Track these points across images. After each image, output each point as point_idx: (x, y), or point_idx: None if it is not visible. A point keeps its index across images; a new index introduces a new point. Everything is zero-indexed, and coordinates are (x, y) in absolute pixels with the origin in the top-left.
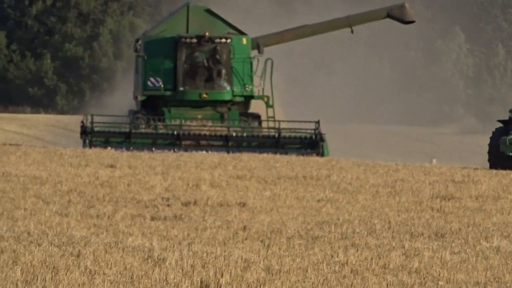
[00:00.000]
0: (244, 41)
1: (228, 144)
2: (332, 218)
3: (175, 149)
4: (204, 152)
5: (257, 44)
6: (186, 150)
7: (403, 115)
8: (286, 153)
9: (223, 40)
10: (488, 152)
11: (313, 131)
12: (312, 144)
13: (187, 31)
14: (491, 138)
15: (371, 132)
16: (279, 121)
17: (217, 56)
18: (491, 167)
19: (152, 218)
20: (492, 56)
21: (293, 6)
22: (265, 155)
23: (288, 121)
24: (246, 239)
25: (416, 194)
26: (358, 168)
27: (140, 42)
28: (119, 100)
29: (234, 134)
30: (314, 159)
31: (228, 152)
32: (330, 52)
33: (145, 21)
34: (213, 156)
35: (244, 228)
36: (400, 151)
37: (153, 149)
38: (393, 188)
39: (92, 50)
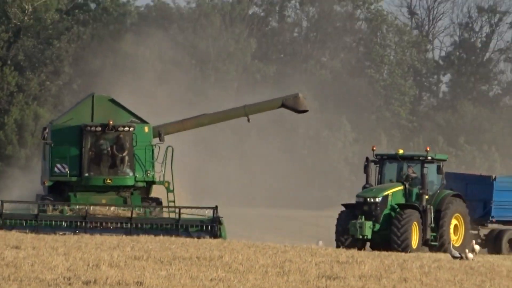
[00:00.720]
0: (146, 129)
1: (131, 226)
2: None
3: (77, 231)
4: (108, 234)
5: (158, 132)
6: (90, 233)
7: (292, 199)
8: (187, 236)
9: (126, 128)
10: (336, 233)
11: (211, 216)
12: (210, 227)
13: (92, 120)
14: (337, 220)
15: (263, 216)
16: (179, 207)
17: (121, 144)
18: (338, 246)
19: None
20: (376, 144)
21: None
22: (161, 237)
23: (188, 207)
24: None
25: (303, 274)
26: (249, 249)
27: (47, 130)
28: (27, 185)
29: (135, 216)
30: (207, 240)
31: (131, 234)
32: (224, 139)
33: (48, 110)
34: (112, 238)
35: None
36: (289, 234)
37: (57, 232)
38: (281, 268)
39: None
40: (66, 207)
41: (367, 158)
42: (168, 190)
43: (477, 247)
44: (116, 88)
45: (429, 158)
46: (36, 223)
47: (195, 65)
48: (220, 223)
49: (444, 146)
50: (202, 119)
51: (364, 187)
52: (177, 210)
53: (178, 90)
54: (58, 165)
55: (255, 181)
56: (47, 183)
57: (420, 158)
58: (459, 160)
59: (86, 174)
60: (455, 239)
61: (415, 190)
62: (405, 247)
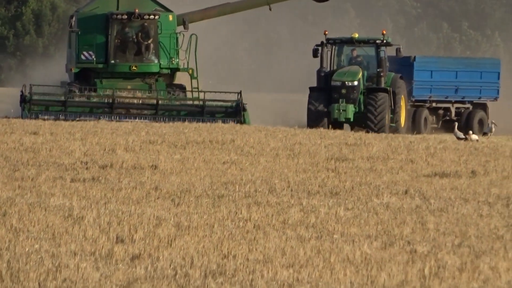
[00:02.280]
0: (171, 17)
1: (157, 112)
2: (236, 178)
3: (105, 117)
4: (136, 120)
5: (182, 20)
6: (116, 119)
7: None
8: (212, 121)
9: (151, 16)
10: (309, 116)
11: (235, 101)
12: (234, 113)
13: (118, 8)
14: (310, 103)
15: (277, 100)
16: (203, 91)
17: (146, 31)
18: (312, 127)
19: (72, 180)
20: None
21: None
22: (185, 122)
23: (212, 92)
24: (157, 198)
25: (312, 156)
26: (260, 133)
27: (74, 18)
28: (46, 73)
29: (161, 102)
30: (220, 125)
31: (156, 120)
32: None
33: (64, 1)
34: (127, 123)
35: (156, 188)
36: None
37: (100, 118)
38: (291, 151)
39: (15, 29)
40: (93, 93)
41: (322, 42)
42: (192, 77)
43: (474, 136)
44: None
45: (385, 41)
46: (64, 109)
47: None
48: (244, 109)
49: (448, 31)
50: (225, 7)
51: (318, 71)
52: (201, 95)
53: None
54: (85, 52)
55: (268, 67)
56: (74, 70)
57: (376, 41)
58: (463, 45)
59: (112, 61)
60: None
61: (366, 73)
62: (380, 127)
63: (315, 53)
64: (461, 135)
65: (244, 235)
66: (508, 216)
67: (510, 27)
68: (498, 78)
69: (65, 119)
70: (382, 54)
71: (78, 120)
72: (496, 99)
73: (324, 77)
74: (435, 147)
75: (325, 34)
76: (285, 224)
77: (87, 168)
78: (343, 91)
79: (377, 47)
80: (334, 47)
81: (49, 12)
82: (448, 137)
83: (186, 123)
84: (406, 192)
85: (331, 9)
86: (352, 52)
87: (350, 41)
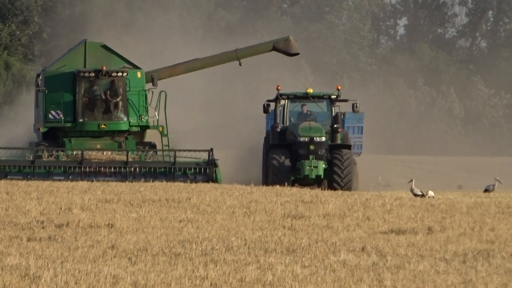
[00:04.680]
0: (139, 74)
1: (127, 170)
2: (193, 236)
3: (71, 177)
4: (106, 179)
5: (151, 77)
6: (86, 179)
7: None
8: (183, 180)
9: (119, 74)
10: (274, 173)
11: (206, 159)
12: (206, 170)
13: (85, 66)
14: (274, 159)
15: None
16: (174, 150)
17: (114, 89)
18: (271, 185)
19: (28, 239)
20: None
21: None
22: (154, 182)
23: (183, 150)
24: (114, 257)
25: (269, 213)
26: (216, 190)
27: (40, 77)
28: (5, 133)
29: (131, 160)
30: (174, 184)
31: (126, 179)
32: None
33: (18, 59)
34: (83, 183)
35: (113, 247)
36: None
37: (70, 177)
38: (248, 209)
39: None
40: (61, 153)
41: (276, 97)
42: (163, 134)
43: (431, 193)
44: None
45: (340, 96)
46: (31, 170)
47: (160, 14)
48: (215, 165)
49: (404, 88)
50: (194, 63)
51: (274, 127)
52: (171, 153)
53: (144, 39)
54: (53, 112)
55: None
56: (42, 130)
57: (331, 96)
58: (418, 101)
59: (81, 120)
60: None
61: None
62: (348, 187)
63: (266, 109)
64: (418, 191)
65: None
66: (464, 273)
67: (465, 83)
68: (361, 133)
69: (34, 179)
70: (337, 109)
71: (47, 180)
72: (359, 154)
73: (281, 133)
74: (391, 204)
75: (277, 89)
76: (242, 282)
77: (43, 227)
78: (312, 147)
79: (331, 102)
80: (286, 102)
81: (3, 71)
82: (404, 194)
83: (141, 182)
84: (363, 249)
85: (286, 66)
86: (302, 107)
87: (305, 96)
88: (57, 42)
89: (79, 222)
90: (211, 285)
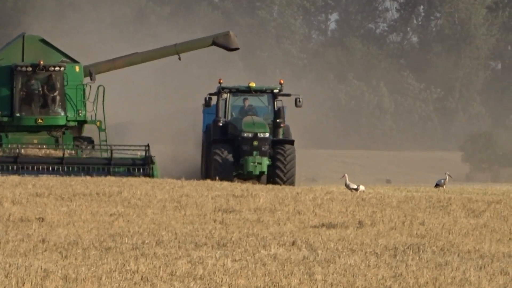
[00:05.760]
0: (77, 68)
1: (63, 166)
2: (124, 230)
3: (10, 172)
4: (42, 175)
5: (89, 72)
6: (21, 174)
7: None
8: (120, 175)
9: (57, 68)
10: (216, 168)
11: (143, 154)
12: (143, 166)
13: (23, 60)
14: (216, 154)
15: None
16: (111, 145)
17: (52, 84)
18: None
19: None
20: (270, 81)
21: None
22: (91, 177)
23: (120, 146)
24: (45, 250)
25: (200, 207)
26: (147, 184)
27: None
28: None
29: (67, 156)
30: (106, 178)
31: (62, 175)
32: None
33: None
34: (14, 177)
35: (43, 240)
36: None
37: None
38: (179, 203)
39: None
40: None
41: (218, 91)
42: (100, 129)
43: (361, 187)
44: (17, 30)
45: (282, 91)
46: None
47: (91, 9)
48: (152, 162)
49: (334, 82)
50: (133, 57)
51: (216, 121)
52: (109, 149)
53: (74, 32)
54: None
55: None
56: None
57: (274, 91)
58: (348, 96)
59: (18, 114)
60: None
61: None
62: (289, 179)
63: (208, 102)
64: (354, 186)
65: (132, 287)
66: (395, 267)
67: (395, 78)
68: None
69: None
70: (279, 104)
71: None
72: None
73: (223, 128)
74: (322, 198)
75: (220, 82)
76: (173, 276)
77: None
78: (255, 143)
79: (274, 97)
80: (229, 96)
81: None
82: (335, 188)
83: (72, 176)
84: (293, 243)
85: (217, 60)
86: (244, 101)
87: (247, 90)
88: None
89: (9, 215)
90: (141, 279)
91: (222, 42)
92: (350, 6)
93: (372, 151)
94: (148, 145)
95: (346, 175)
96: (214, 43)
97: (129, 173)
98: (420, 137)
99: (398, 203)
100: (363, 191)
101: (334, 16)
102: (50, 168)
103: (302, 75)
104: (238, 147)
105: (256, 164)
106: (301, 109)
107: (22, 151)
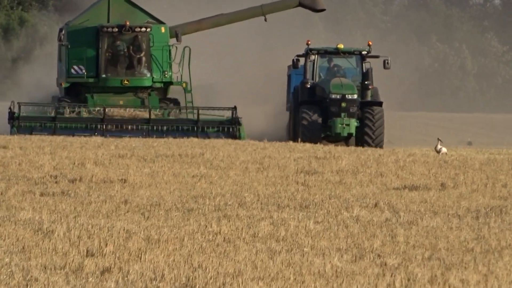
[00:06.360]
0: (163, 30)
1: (149, 127)
2: (206, 192)
3: (97, 133)
4: (128, 136)
5: (175, 33)
6: (108, 135)
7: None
8: (207, 137)
9: (143, 29)
10: (304, 129)
11: (230, 116)
12: (229, 128)
13: (108, 21)
14: (304, 116)
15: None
16: (197, 108)
17: (137, 44)
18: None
19: (42, 194)
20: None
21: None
22: (180, 139)
23: (207, 108)
24: (127, 212)
25: (282, 169)
26: (229, 146)
27: (63, 31)
28: (16, 87)
29: (154, 117)
30: (188, 139)
31: (149, 136)
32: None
33: (33, 15)
34: (97, 138)
35: (126, 202)
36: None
37: (75, 134)
38: (261, 164)
39: None
40: (83, 109)
41: (306, 52)
42: (186, 90)
43: (444, 149)
44: None
45: (371, 52)
46: (54, 126)
47: None
48: (239, 123)
49: (417, 45)
50: (219, 18)
51: (304, 83)
52: (195, 111)
53: None
54: (75, 67)
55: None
56: (64, 85)
57: (362, 52)
58: (431, 58)
59: (103, 75)
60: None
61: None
62: (379, 143)
63: (295, 64)
64: (445, 150)
65: (214, 249)
66: (477, 229)
67: (477, 40)
68: None
69: (56, 134)
70: (367, 66)
71: (69, 136)
72: None
73: (311, 89)
74: (405, 160)
75: (307, 44)
76: (255, 237)
77: (56, 182)
78: (343, 104)
79: (363, 58)
80: (317, 57)
81: (17, 26)
82: (417, 150)
83: (155, 137)
84: (375, 205)
85: (298, 22)
86: (331, 63)
87: (335, 52)
88: None
89: (92, 177)
90: (224, 240)
91: (309, 3)
92: None
93: (454, 113)
94: (235, 107)
95: (440, 141)
96: (300, 4)
97: (216, 134)
98: (503, 99)
99: (480, 165)
100: (446, 153)
101: None
102: (136, 128)
103: (384, 38)
104: (326, 109)
105: (344, 125)
106: (383, 71)
107: (108, 112)
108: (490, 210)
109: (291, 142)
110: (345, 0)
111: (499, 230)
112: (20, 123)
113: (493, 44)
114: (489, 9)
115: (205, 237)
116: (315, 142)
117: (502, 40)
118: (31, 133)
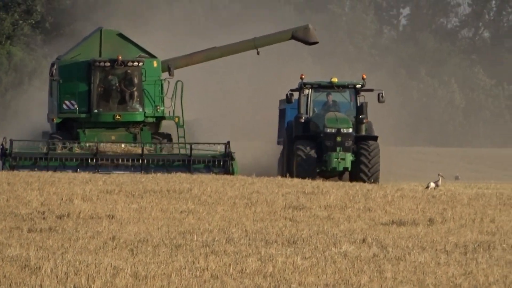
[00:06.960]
0: (155, 64)
1: (142, 163)
2: (194, 227)
3: (89, 171)
4: (121, 172)
5: (167, 67)
6: (100, 171)
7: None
8: (199, 172)
9: (135, 63)
10: (300, 164)
11: (223, 151)
12: (223, 163)
13: (100, 55)
14: (299, 151)
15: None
16: (190, 143)
17: (130, 79)
18: (298, 177)
19: (29, 230)
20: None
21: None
22: (170, 174)
23: (200, 143)
24: (115, 248)
25: (270, 205)
26: (217, 181)
27: (55, 66)
28: (5, 122)
29: (147, 153)
30: (177, 174)
31: (143, 171)
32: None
33: (21, 49)
34: (84, 174)
35: (113, 238)
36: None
37: (78, 170)
38: (249, 200)
39: None
40: (75, 145)
41: (300, 87)
42: (178, 125)
43: (432, 184)
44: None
45: (365, 86)
46: (45, 162)
47: (163, 4)
48: (232, 158)
49: (406, 79)
50: (212, 52)
51: (298, 117)
52: (188, 146)
53: (151, 29)
54: (67, 102)
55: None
56: (56, 120)
57: (356, 86)
58: (420, 93)
59: (95, 110)
60: None
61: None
62: (375, 179)
63: (289, 98)
64: (433, 185)
65: (202, 285)
66: (465, 265)
67: (466, 73)
68: None
69: (47, 170)
70: (362, 99)
71: (59, 171)
72: None
73: (305, 124)
74: (393, 195)
75: (301, 78)
76: (243, 273)
77: (44, 218)
78: (339, 138)
79: (357, 92)
80: (310, 91)
81: (5, 60)
82: (406, 185)
83: (142, 173)
84: (363, 240)
85: (287, 57)
86: (327, 97)
87: (330, 86)
88: (59, 32)
89: (80, 213)
90: (211, 276)
91: (301, 36)
92: (422, 0)
93: (442, 148)
94: (228, 142)
95: (441, 177)
96: (293, 37)
97: (208, 169)
98: (491, 133)
99: (468, 200)
100: (434, 188)
101: (405, 11)
102: (130, 164)
103: (373, 71)
104: (321, 144)
105: (339, 160)
106: (372, 105)
107: (101, 147)
108: (478, 245)
109: (279, 177)
110: (335, 34)
111: (487, 265)
112: (12, 163)
113: (481, 78)
114: (478, 42)
115: (192, 273)
116: (311, 177)
117: (490, 73)
118: (20, 169)
